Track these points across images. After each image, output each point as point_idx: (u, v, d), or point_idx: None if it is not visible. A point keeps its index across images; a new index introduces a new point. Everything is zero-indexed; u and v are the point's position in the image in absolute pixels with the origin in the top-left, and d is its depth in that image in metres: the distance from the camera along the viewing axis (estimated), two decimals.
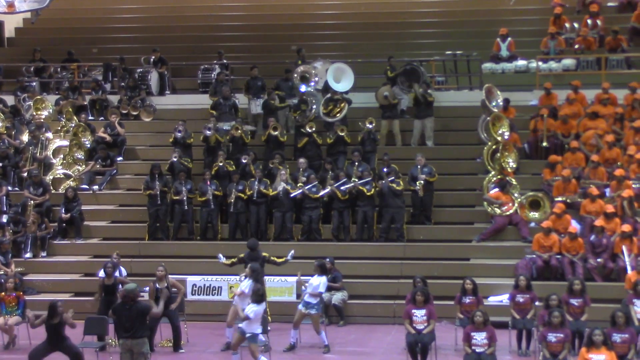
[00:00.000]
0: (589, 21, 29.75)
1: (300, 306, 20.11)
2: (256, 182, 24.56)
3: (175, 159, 25.72)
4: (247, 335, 17.95)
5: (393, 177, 23.94)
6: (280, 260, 21.04)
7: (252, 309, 17.90)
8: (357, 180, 24.14)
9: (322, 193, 24.31)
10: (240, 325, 18.20)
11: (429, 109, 26.90)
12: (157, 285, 19.78)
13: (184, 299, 21.35)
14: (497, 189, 24.25)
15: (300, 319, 20.13)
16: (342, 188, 24.12)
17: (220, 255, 21.12)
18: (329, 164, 24.98)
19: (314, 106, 26.85)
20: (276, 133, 26.01)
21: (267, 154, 26.06)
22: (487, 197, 24.27)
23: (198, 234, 25.06)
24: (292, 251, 21.26)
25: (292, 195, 24.30)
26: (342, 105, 26.82)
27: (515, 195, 24.18)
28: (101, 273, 21.13)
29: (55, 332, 17.69)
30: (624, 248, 21.72)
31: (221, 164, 25.33)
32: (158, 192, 24.85)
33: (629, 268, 21.34)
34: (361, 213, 24.20)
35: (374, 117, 26.61)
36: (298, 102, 27.12)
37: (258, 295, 18.05)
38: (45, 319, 17.76)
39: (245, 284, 19.40)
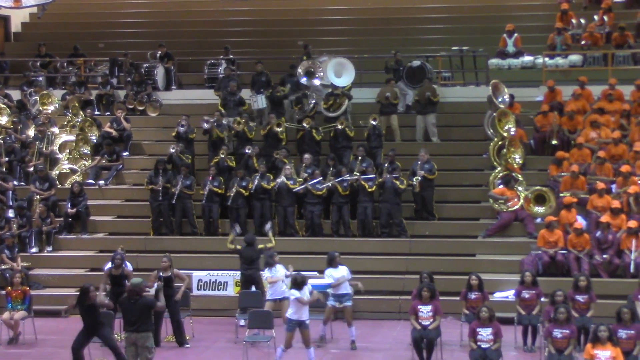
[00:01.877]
0: (596, 17, 29.69)
1: (331, 302, 19.96)
2: (257, 177, 24.56)
3: (172, 151, 25.73)
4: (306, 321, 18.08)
5: (397, 174, 23.93)
6: (273, 242, 21.56)
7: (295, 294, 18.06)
8: (358, 174, 24.13)
9: (322, 186, 24.30)
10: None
11: (431, 106, 26.90)
12: (161, 274, 19.83)
13: (190, 294, 21.42)
14: (501, 185, 24.26)
15: (330, 315, 20.10)
16: (344, 184, 24.09)
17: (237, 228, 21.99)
18: (331, 160, 24.95)
19: (313, 100, 26.85)
20: (278, 130, 26.00)
21: (266, 149, 26.04)
22: (491, 193, 24.26)
23: (201, 229, 25.07)
24: (269, 224, 21.94)
25: (295, 190, 24.31)
26: (342, 100, 26.80)
27: (520, 189, 24.16)
28: (108, 266, 21.18)
29: (89, 316, 17.68)
30: (634, 241, 21.67)
31: (222, 157, 25.34)
32: (160, 188, 24.87)
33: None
34: (361, 208, 24.18)
35: (374, 113, 26.61)
36: (300, 96, 27.10)
37: (297, 282, 18.17)
38: (75, 304, 17.80)
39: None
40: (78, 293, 18.06)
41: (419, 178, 24.12)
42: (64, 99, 29.57)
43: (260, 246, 21.52)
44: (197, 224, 25.11)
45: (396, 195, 23.93)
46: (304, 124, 25.99)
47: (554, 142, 25.57)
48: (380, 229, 24.22)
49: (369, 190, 24.02)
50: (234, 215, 24.62)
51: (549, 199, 23.67)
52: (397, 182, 23.83)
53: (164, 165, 25.29)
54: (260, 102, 27.55)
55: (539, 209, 23.77)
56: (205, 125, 26.19)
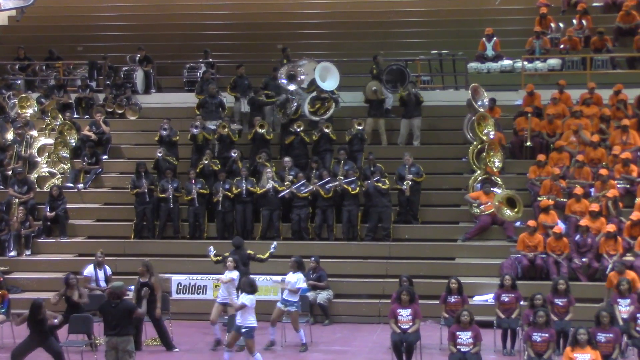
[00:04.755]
0: (574, 21, 29.81)
1: (279, 304, 20.16)
2: (243, 181, 24.54)
3: (160, 155, 25.67)
4: (244, 330, 18.00)
5: (379, 177, 23.94)
6: (265, 256, 21.19)
7: (247, 298, 18.01)
8: (342, 178, 24.14)
9: (305, 190, 24.30)
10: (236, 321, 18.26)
11: (417, 109, 26.92)
12: (141, 280, 19.79)
13: (169, 298, 21.38)
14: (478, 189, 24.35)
15: (277, 317, 20.18)
16: (326, 187, 24.13)
17: (211, 248, 21.35)
18: (315, 163, 24.94)
19: (295, 104, 26.82)
20: (262, 131, 25.98)
21: (254, 152, 26.03)
22: (466, 197, 24.32)
23: (185, 232, 25.01)
24: (275, 243, 21.46)
25: (280, 194, 24.27)
26: (329, 104, 26.82)
27: (497, 192, 24.19)
28: (86, 271, 21.13)
29: (38, 329, 17.61)
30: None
31: (206, 162, 25.31)
32: (145, 190, 24.81)
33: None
34: (346, 212, 24.18)
35: (360, 115, 26.64)
36: (284, 100, 27.07)
37: (251, 287, 18.17)
38: (27, 317, 17.69)
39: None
40: (29, 309, 17.78)
41: (409, 182, 24.15)
42: (40, 102, 29.43)
43: (249, 251, 21.44)
44: (181, 227, 25.05)
45: (382, 196, 23.91)
46: (296, 127, 25.94)
47: (528, 143, 25.66)
48: (367, 232, 24.20)
49: (353, 193, 24.02)
50: (221, 219, 24.59)
51: (519, 205, 23.48)
52: (380, 184, 23.84)
53: (145, 167, 25.21)
54: (243, 106, 27.59)
55: (509, 213, 23.62)
56: (195, 131, 26.08)
